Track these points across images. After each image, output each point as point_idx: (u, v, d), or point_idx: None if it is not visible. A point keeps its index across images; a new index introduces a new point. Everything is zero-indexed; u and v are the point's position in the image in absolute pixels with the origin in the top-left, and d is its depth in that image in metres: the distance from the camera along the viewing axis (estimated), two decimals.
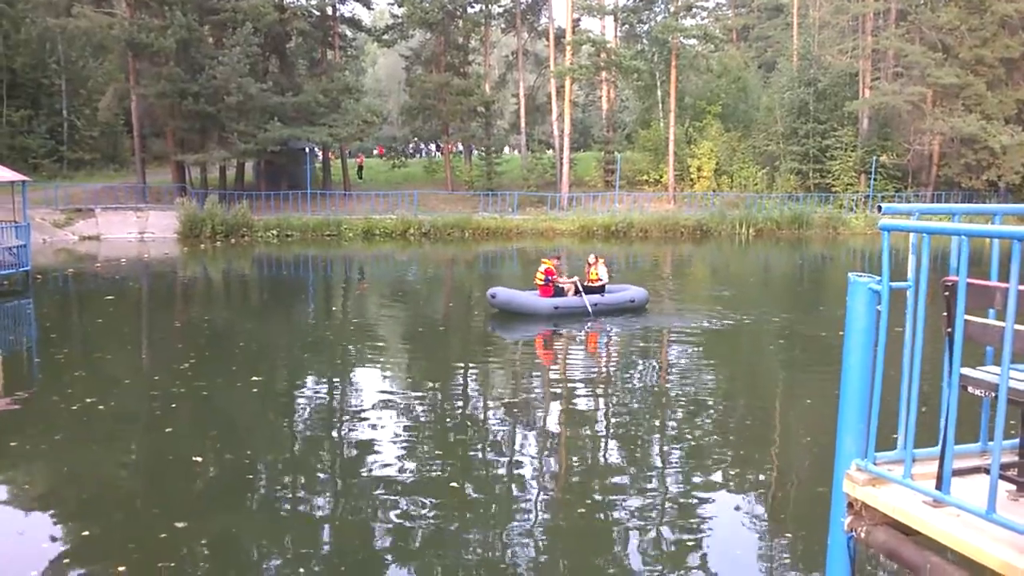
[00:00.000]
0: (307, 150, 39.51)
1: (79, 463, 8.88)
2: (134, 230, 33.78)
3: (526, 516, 7.56)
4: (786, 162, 44.33)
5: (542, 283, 16.83)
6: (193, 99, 35.45)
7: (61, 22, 36.59)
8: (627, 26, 50.64)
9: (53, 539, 7.04)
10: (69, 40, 42.99)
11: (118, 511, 7.74)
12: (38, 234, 26.98)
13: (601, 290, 17.12)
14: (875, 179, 42.54)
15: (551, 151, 46.97)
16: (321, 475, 8.68)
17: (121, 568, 6.45)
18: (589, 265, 17.50)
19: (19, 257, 20.45)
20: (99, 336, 16.29)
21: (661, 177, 44.57)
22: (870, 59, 43.73)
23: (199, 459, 8.81)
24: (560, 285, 16.89)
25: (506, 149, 54.00)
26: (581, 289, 16.93)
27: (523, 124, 46.90)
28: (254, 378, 12.21)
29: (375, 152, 63.06)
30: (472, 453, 9.41)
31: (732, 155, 45.32)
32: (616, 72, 45.12)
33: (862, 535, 3.30)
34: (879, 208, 3.46)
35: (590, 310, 16.53)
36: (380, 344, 15.48)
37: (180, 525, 7.14)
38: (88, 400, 10.90)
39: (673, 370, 13.43)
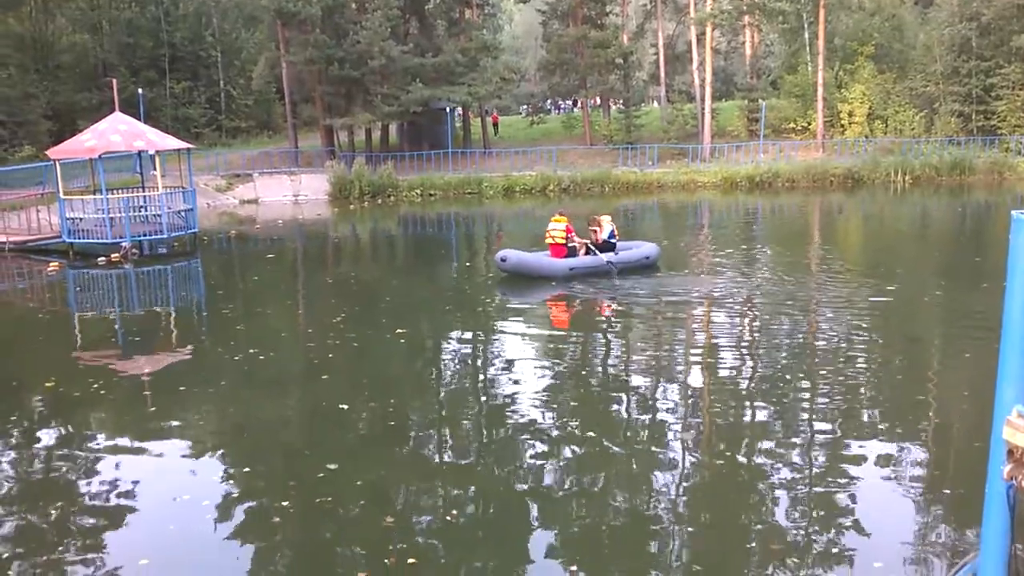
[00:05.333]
0: (447, 110, 40.08)
1: (241, 407, 9.56)
2: (288, 193, 35.43)
3: (667, 469, 7.56)
4: (946, 104, 41.29)
5: (561, 242, 16.22)
6: (339, 64, 36.64)
7: None
8: None
9: (221, 476, 7.62)
10: (223, 13, 45.47)
11: (276, 452, 8.29)
12: (202, 199, 28.72)
13: (612, 248, 16.54)
14: None
15: (692, 102, 45.67)
16: (464, 422, 8.96)
17: (284, 503, 6.93)
18: (595, 231, 16.76)
19: (187, 220, 21.92)
20: (259, 292, 17.36)
21: (809, 124, 42.56)
22: None
23: (346, 406, 9.28)
24: (572, 244, 16.28)
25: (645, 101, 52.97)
26: (593, 248, 16.41)
27: (663, 75, 45.82)
28: (400, 330, 12.67)
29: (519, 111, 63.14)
30: (613, 406, 9.47)
31: (886, 98, 42.62)
32: (760, 15, 43.18)
33: (1023, 483, 3.15)
34: None
35: (613, 267, 16.12)
36: (518, 298, 15.63)
37: (332, 467, 7.57)
38: (250, 351, 11.67)
39: (821, 323, 12.97)
